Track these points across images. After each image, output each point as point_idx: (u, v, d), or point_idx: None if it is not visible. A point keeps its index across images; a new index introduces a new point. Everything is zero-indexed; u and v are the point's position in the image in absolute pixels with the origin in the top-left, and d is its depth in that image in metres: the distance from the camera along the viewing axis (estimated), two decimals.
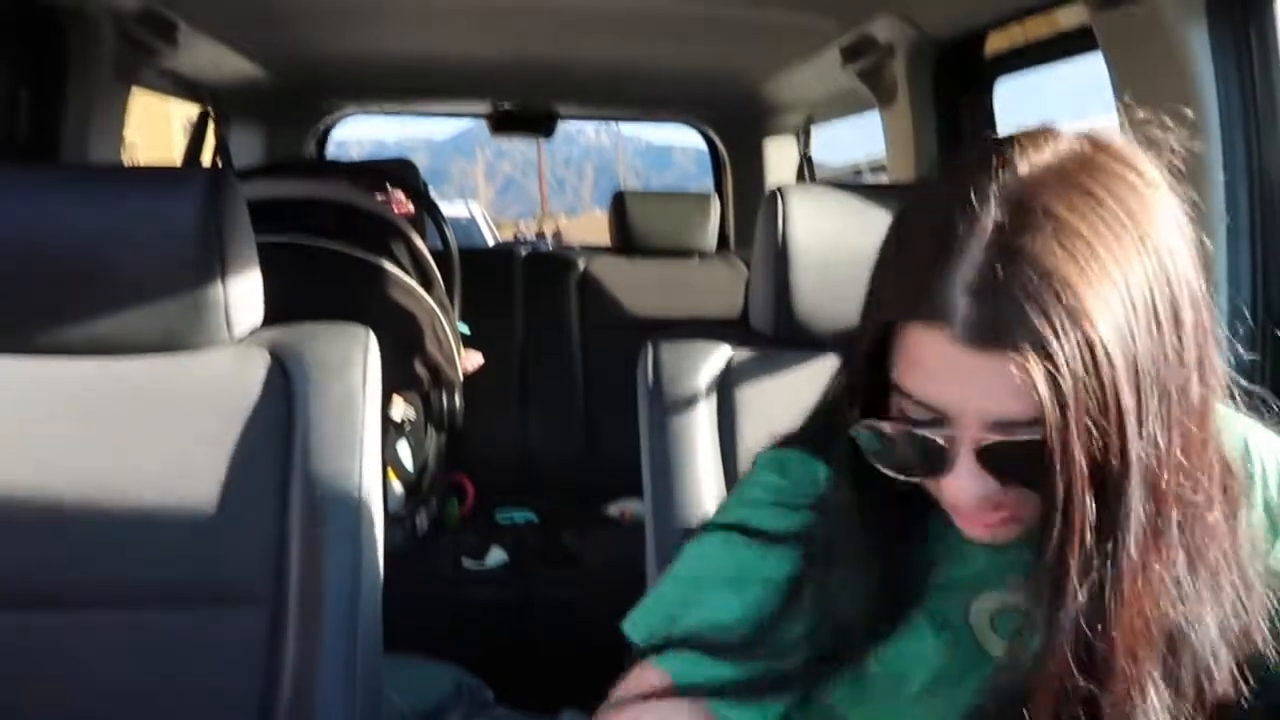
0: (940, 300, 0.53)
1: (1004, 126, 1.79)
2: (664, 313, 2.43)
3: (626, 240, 2.58)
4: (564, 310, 2.50)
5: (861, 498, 0.65)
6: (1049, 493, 0.53)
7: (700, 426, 1.09)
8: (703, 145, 3.13)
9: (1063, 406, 0.51)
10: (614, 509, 2.23)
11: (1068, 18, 1.46)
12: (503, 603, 2.01)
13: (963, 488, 0.57)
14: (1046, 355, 0.51)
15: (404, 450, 1.82)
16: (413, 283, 1.81)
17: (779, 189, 1.08)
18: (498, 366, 2.11)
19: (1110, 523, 0.54)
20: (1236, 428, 0.67)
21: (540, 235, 15.47)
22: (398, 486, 1.81)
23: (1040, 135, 0.57)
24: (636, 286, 2.53)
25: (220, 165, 2.31)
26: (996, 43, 1.72)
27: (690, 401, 1.09)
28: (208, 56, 1.94)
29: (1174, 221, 0.56)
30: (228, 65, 2.07)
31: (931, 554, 0.68)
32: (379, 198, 2.09)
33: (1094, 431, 0.52)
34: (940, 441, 0.57)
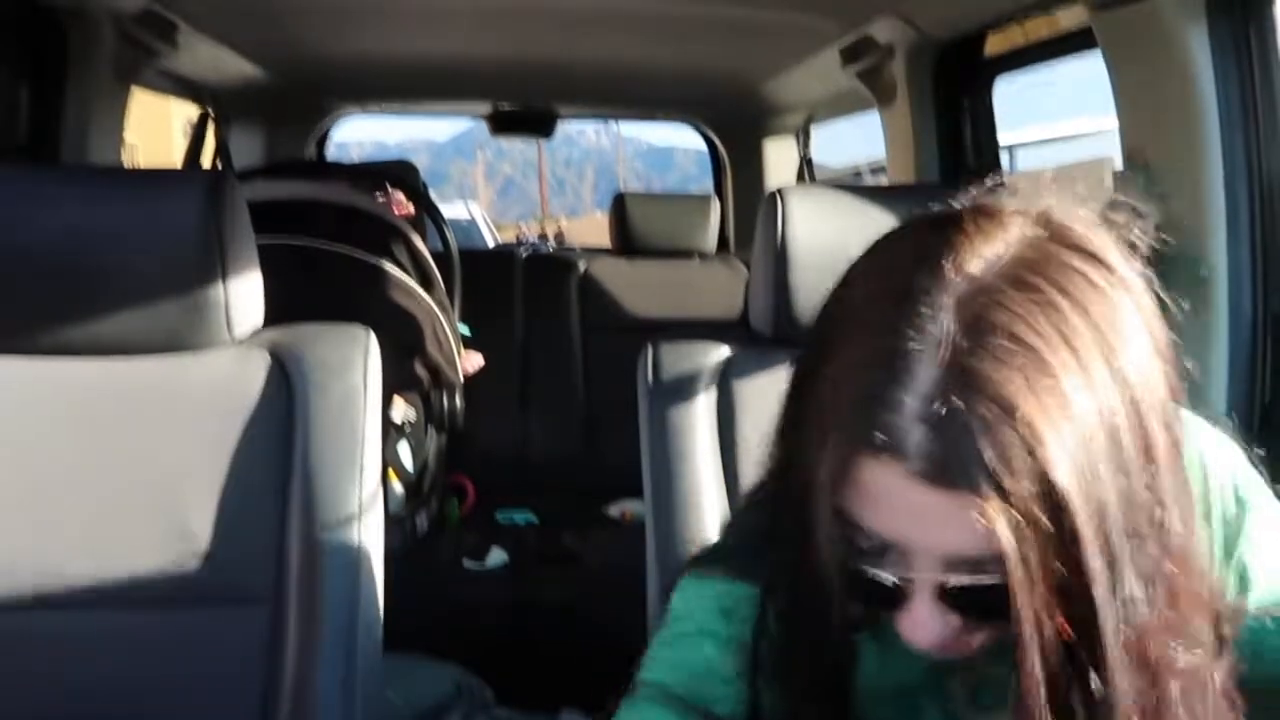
0: (892, 431, 0.47)
1: (1004, 126, 1.80)
2: (664, 314, 2.43)
3: (627, 241, 2.58)
4: (564, 311, 2.50)
5: (803, 628, 0.59)
6: (1019, 658, 0.47)
7: (700, 427, 1.09)
8: (703, 146, 3.13)
9: (1024, 558, 0.46)
10: (614, 509, 2.23)
11: (1068, 18, 1.46)
12: (503, 603, 2.01)
13: (921, 627, 0.51)
14: (1005, 497, 0.45)
15: (404, 451, 1.82)
16: (413, 284, 1.81)
17: (779, 190, 1.08)
18: (498, 367, 2.11)
19: (1097, 697, 0.48)
20: (1191, 443, 0.61)
21: (543, 236, 15.43)
22: (398, 487, 1.81)
23: (991, 220, 0.51)
24: (636, 288, 2.53)
25: (220, 166, 2.31)
26: (996, 43, 1.72)
27: (690, 402, 1.09)
28: (208, 57, 1.94)
29: (1141, 325, 0.51)
30: (228, 66, 2.07)
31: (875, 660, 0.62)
32: (379, 199, 2.09)
33: (1066, 590, 0.47)
34: (896, 580, 0.51)
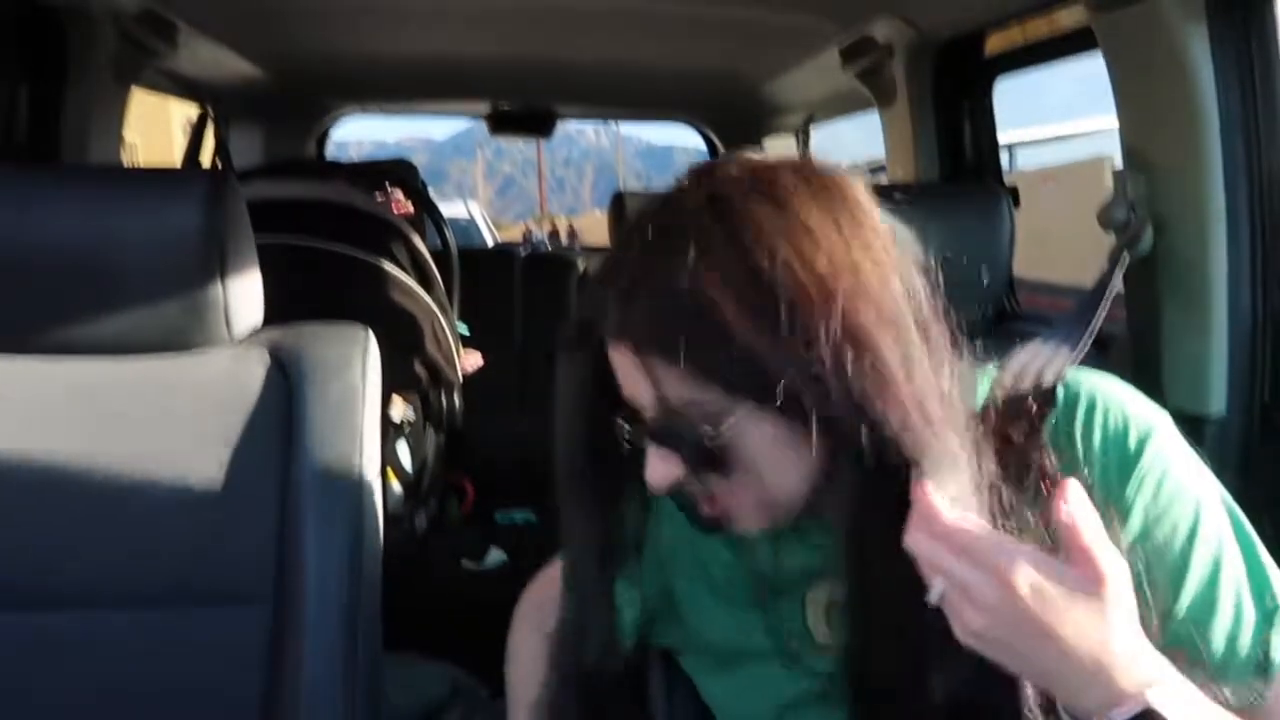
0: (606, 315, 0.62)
1: (1004, 126, 1.80)
2: None
3: None
4: (563, 310, 2.51)
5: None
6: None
7: None
8: (703, 146, 3.13)
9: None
10: None
11: (1067, 18, 1.46)
12: (502, 603, 2.01)
13: (650, 470, 0.63)
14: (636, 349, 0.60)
15: (403, 450, 1.82)
16: (412, 283, 1.81)
17: None
18: (497, 366, 2.11)
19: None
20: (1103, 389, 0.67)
21: (554, 234, 15.19)
22: (397, 487, 1.81)
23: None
24: None
25: (220, 166, 2.31)
26: (996, 43, 1.72)
27: None
28: (207, 57, 1.94)
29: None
30: (227, 66, 2.07)
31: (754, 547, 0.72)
32: (378, 198, 2.09)
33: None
34: (628, 437, 0.65)
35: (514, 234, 17.43)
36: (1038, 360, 0.70)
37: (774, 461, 0.61)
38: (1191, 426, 0.73)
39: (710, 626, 0.76)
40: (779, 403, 0.56)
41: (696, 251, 0.57)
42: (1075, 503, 0.54)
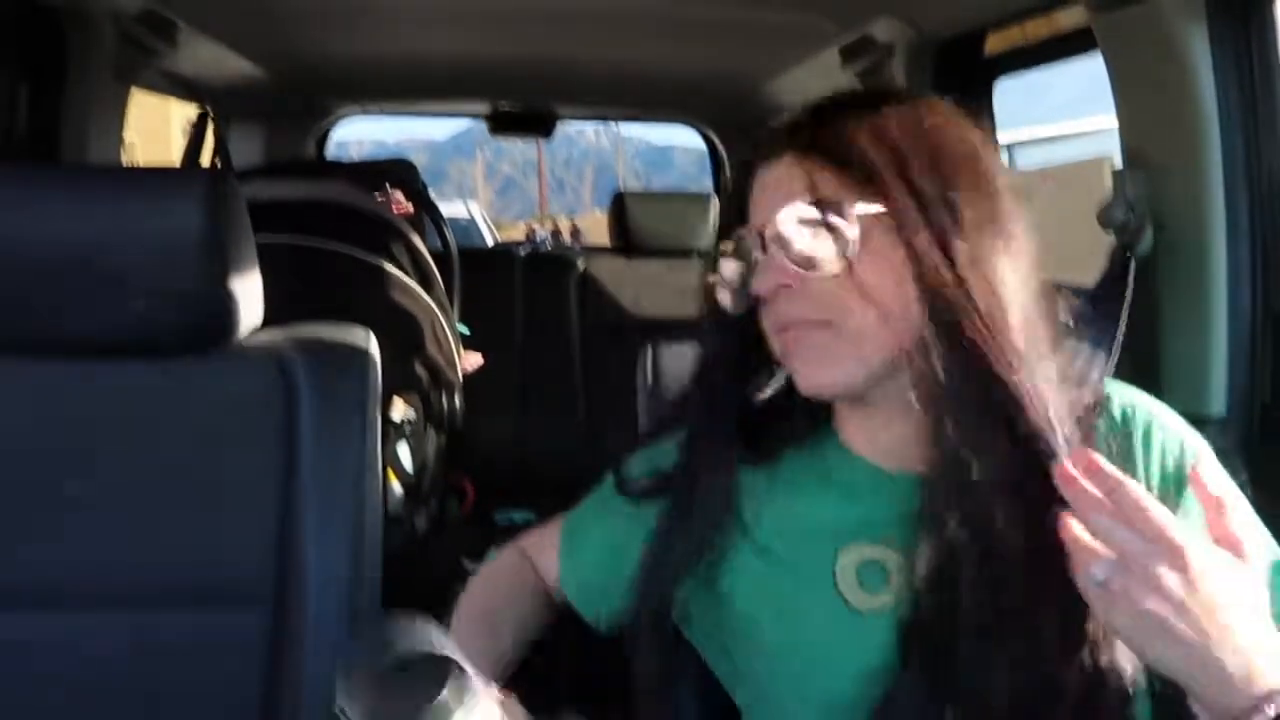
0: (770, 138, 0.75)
1: (1004, 126, 1.79)
2: (663, 313, 2.43)
3: (626, 241, 2.58)
4: (564, 310, 2.50)
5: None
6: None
7: None
8: (703, 146, 3.13)
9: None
10: None
11: (1067, 18, 1.46)
12: None
13: (760, 279, 0.69)
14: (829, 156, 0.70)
15: (403, 451, 1.82)
16: (412, 283, 1.81)
17: None
18: (497, 367, 2.11)
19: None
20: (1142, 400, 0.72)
21: (556, 233, 15.12)
22: (397, 487, 1.81)
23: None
24: (636, 286, 2.53)
25: (220, 166, 2.30)
26: (996, 43, 1.72)
27: None
28: (207, 57, 1.94)
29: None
30: (227, 66, 2.07)
31: (799, 491, 0.75)
32: (378, 198, 2.09)
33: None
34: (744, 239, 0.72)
35: (514, 234, 17.41)
36: (1075, 366, 0.72)
37: (886, 276, 0.66)
38: (1191, 427, 0.73)
39: (752, 590, 0.75)
40: (909, 230, 0.65)
41: (887, 107, 0.71)
42: (1212, 484, 0.57)
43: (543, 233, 15.22)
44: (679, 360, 1.12)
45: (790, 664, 0.71)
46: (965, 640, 0.62)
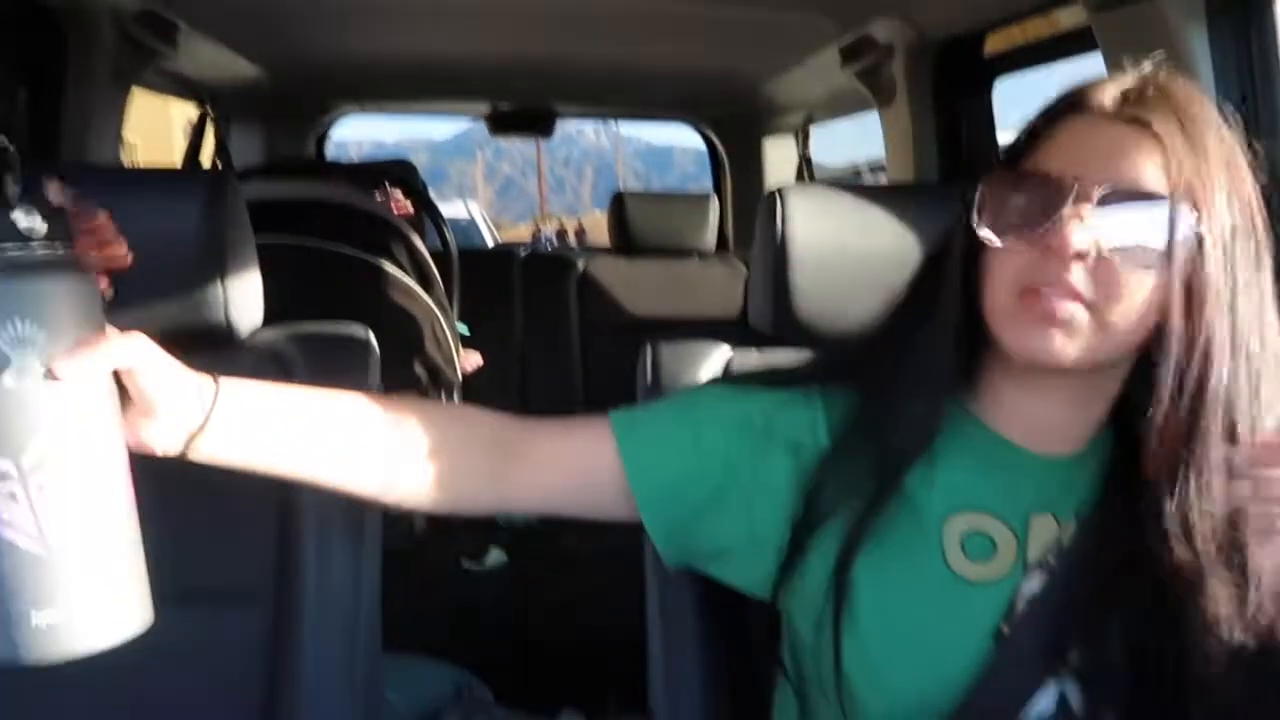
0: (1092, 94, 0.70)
1: (1004, 126, 1.79)
2: (663, 313, 2.43)
3: (626, 241, 2.58)
4: (564, 310, 2.50)
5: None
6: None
7: None
8: (702, 145, 3.13)
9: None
10: None
11: (1067, 18, 1.46)
12: (502, 603, 2.01)
13: (1074, 234, 0.65)
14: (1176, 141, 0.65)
15: None
16: (412, 283, 1.81)
17: (778, 189, 1.08)
18: (497, 367, 2.11)
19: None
20: None
21: (562, 233, 14.90)
22: None
23: None
24: (636, 287, 2.53)
25: (220, 166, 2.30)
26: (995, 43, 1.72)
27: None
28: (207, 57, 1.94)
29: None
30: (227, 66, 2.07)
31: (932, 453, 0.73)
32: (378, 198, 2.09)
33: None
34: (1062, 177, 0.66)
35: (514, 234, 17.32)
36: None
37: (1164, 287, 0.65)
38: None
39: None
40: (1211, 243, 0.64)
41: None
42: None
43: (548, 232, 15.08)
44: (679, 359, 1.11)
45: (893, 629, 0.72)
46: (1080, 611, 0.68)
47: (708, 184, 3.16)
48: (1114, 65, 1.23)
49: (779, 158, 2.93)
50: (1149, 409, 0.66)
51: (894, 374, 0.74)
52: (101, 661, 0.96)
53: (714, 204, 2.63)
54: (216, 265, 0.97)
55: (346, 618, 0.97)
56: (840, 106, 2.53)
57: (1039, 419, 0.74)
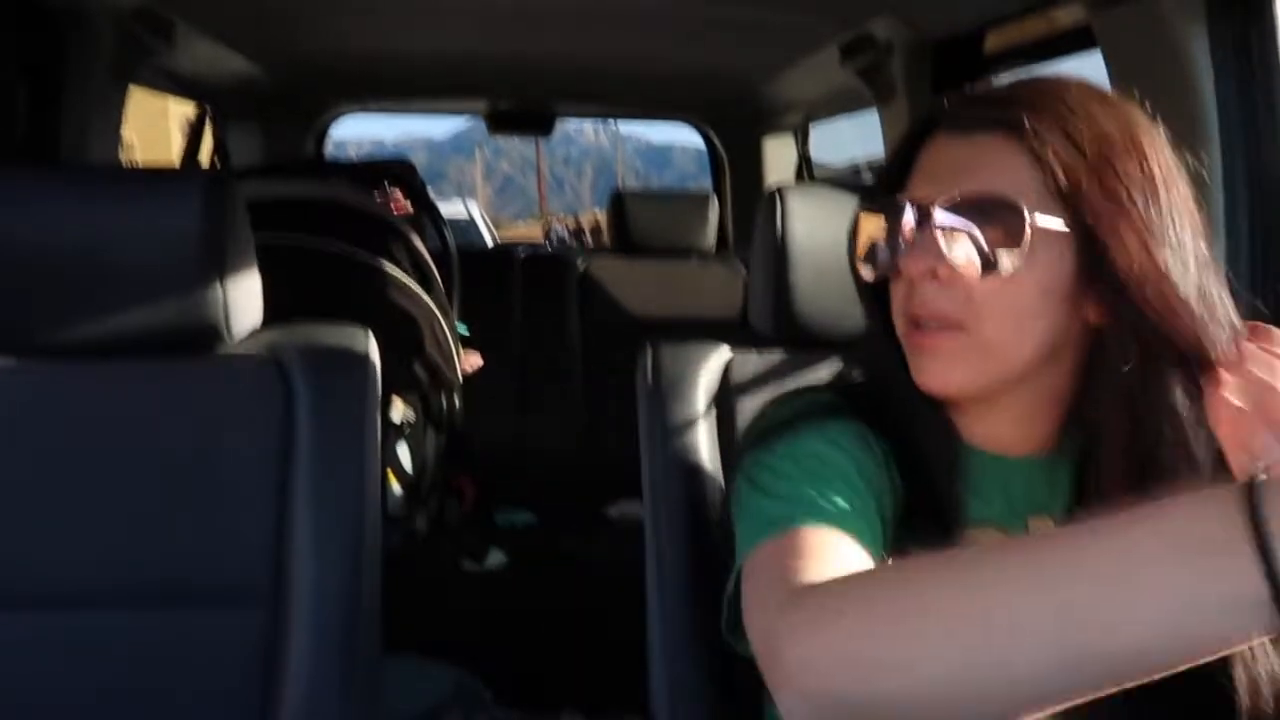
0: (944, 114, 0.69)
1: None
2: (663, 313, 2.43)
3: (626, 240, 2.58)
4: (563, 310, 2.50)
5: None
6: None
7: (700, 427, 1.09)
8: (702, 144, 3.13)
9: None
10: (614, 510, 2.23)
11: (1066, 17, 1.46)
12: (502, 604, 2.01)
13: (911, 260, 0.65)
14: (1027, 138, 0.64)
15: (403, 452, 1.82)
16: (412, 284, 1.81)
17: (778, 189, 1.08)
18: (497, 367, 2.11)
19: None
20: None
21: (578, 230, 14.48)
22: (397, 488, 1.81)
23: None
24: (636, 286, 2.53)
25: (218, 165, 2.30)
26: (994, 41, 1.72)
27: (690, 402, 1.09)
28: (206, 56, 1.94)
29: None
30: (226, 64, 2.07)
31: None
32: (377, 198, 2.09)
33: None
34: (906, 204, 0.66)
35: (513, 232, 17.18)
36: None
37: (1035, 290, 0.63)
38: None
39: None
40: (1084, 231, 0.61)
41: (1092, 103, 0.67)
42: None
43: (560, 229, 14.81)
44: (679, 360, 1.11)
45: None
46: None
47: (707, 183, 3.16)
48: (1113, 63, 1.23)
49: (778, 157, 2.92)
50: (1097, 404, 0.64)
51: (904, 413, 0.71)
52: (101, 661, 0.96)
53: (714, 203, 2.63)
54: (215, 265, 0.97)
55: (346, 618, 0.97)
56: (840, 105, 2.53)
57: (1001, 428, 0.71)
